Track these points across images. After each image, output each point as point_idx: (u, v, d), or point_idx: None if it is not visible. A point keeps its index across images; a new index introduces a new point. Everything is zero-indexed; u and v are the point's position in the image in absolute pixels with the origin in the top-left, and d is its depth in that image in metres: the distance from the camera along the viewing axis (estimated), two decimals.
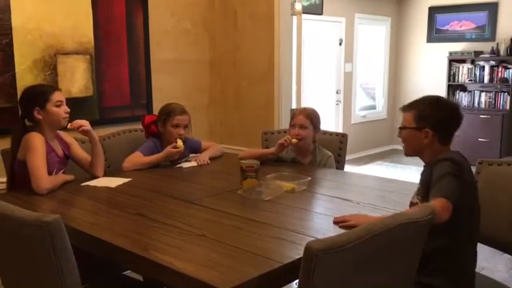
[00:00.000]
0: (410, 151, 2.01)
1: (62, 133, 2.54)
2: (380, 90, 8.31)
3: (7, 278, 1.76)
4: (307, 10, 5.96)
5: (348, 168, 5.85)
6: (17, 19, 2.87)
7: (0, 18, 2.80)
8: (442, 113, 1.91)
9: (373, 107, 8.26)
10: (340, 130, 7.19)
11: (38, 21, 2.96)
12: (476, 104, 7.39)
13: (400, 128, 2.01)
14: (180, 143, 2.77)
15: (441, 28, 7.78)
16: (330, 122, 7.20)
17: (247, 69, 3.77)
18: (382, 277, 1.47)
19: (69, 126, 2.43)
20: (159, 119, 2.88)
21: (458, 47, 7.57)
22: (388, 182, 2.62)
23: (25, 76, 2.90)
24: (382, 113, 8.26)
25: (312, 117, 2.81)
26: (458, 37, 7.61)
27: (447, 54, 7.54)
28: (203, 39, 3.87)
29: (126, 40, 3.40)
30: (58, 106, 2.39)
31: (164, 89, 3.60)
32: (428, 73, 7.94)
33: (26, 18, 2.91)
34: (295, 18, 3.69)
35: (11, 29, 2.84)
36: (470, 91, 7.46)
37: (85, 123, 2.47)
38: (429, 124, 1.90)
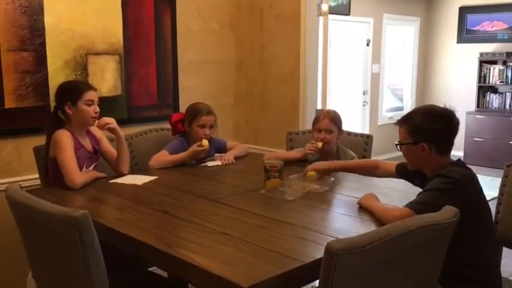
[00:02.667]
0: (412, 165, 2.00)
1: (92, 128, 2.61)
2: (408, 92, 8.21)
3: (37, 271, 1.82)
4: (334, 10, 5.94)
5: None
6: (49, 20, 2.95)
7: (34, 19, 2.88)
8: (436, 125, 1.86)
9: (401, 109, 8.16)
10: (366, 131, 7.13)
11: (70, 22, 3.04)
12: (507, 106, 7.23)
13: (396, 144, 1.99)
14: (205, 142, 2.82)
15: (472, 28, 7.64)
16: (356, 123, 7.16)
17: (273, 70, 3.78)
18: (404, 278, 1.46)
19: (96, 124, 2.51)
20: (185, 118, 2.93)
21: (489, 47, 7.42)
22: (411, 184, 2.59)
23: (57, 76, 2.98)
24: None
25: (336, 120, 2.81)
26: (490, 38, 7.46)
27: (478, 55, 7.40)
28: (229, 39, 3.90)
29: (154, 41, 3.46)
30: (88, 105, 2.46)
31: (191, 89, 3.64)
32: (458, 74, 7.81)
33: (59, 19, 2.99)
34: (321, 18, 3.69)
35: (44, 29, 2.93)
36: (501, 93, 7.31)
37: (111, 121, 2.54)
38: (424, 138, 1.87)
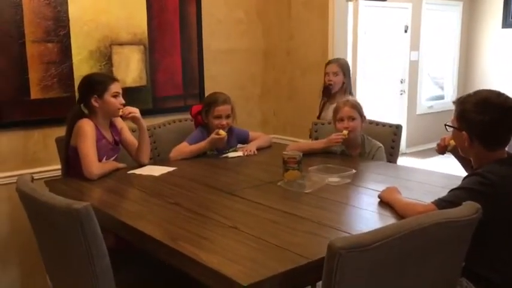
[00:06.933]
0: (461, 151, 1.85)
1: (114, 118, 2.61)
2: (449, 80, 7.88)
3: (47, 263, 1.82)
4: None
5: (410, 161, 5.51)
6: (74, 11, 2.96)
7: (58, 10, 2.90)
8: (481, 117, 1.67)
9: (441, 97, 7.86)
10: (404, 121, 6.90)
11: (94, 13, 3.04)
12: None
13: (445, 124, 1.85)
14: (221, 131, 2.76)
15: None
16: (393, 113, 6.92)
17: (301, 59, 3.68)
18: (418, 279, 1.36)
19: (120, 113, 2.50)
20: (202, 109, 2.89)
21: None
22: (443, 177, 2.44)
23: (81, 66, 2.99)
24: (451, 104, 7.82)
25: (357, 107, 2.70)
26: None
27: None
28: (256, 28, 3.82)
29: (179, 30, 3.42)
30: (115, 97, 2.48)
31: (217, 79, 3.59)
32: (503, 61, 7.42)
33: (83, 10, 2.99)
34: (351, 4, 3.55)
35: (68, 20, 2.94)
36: None
37: (135, 111, 2.53)
38: (466, 127, 1.71)
